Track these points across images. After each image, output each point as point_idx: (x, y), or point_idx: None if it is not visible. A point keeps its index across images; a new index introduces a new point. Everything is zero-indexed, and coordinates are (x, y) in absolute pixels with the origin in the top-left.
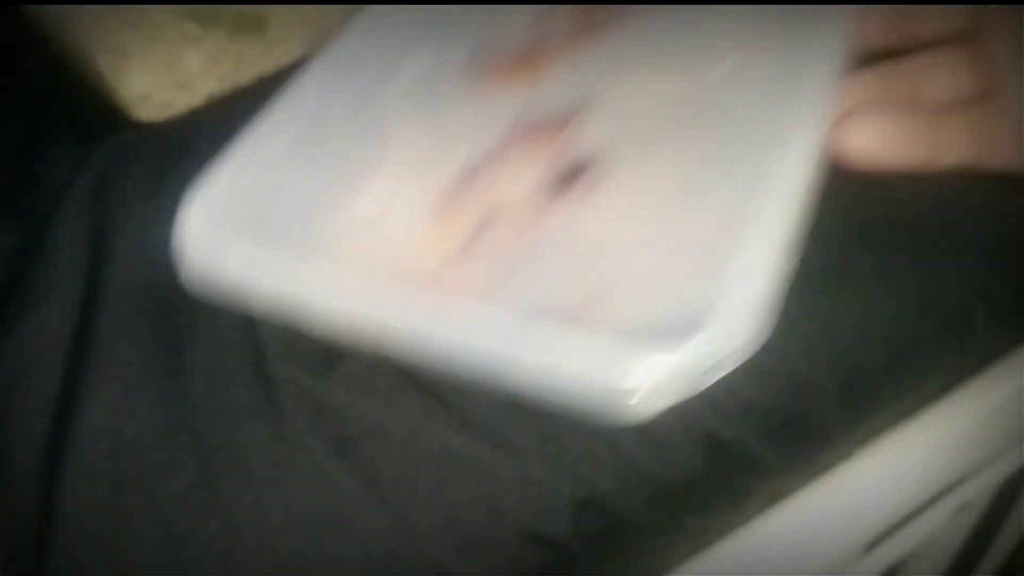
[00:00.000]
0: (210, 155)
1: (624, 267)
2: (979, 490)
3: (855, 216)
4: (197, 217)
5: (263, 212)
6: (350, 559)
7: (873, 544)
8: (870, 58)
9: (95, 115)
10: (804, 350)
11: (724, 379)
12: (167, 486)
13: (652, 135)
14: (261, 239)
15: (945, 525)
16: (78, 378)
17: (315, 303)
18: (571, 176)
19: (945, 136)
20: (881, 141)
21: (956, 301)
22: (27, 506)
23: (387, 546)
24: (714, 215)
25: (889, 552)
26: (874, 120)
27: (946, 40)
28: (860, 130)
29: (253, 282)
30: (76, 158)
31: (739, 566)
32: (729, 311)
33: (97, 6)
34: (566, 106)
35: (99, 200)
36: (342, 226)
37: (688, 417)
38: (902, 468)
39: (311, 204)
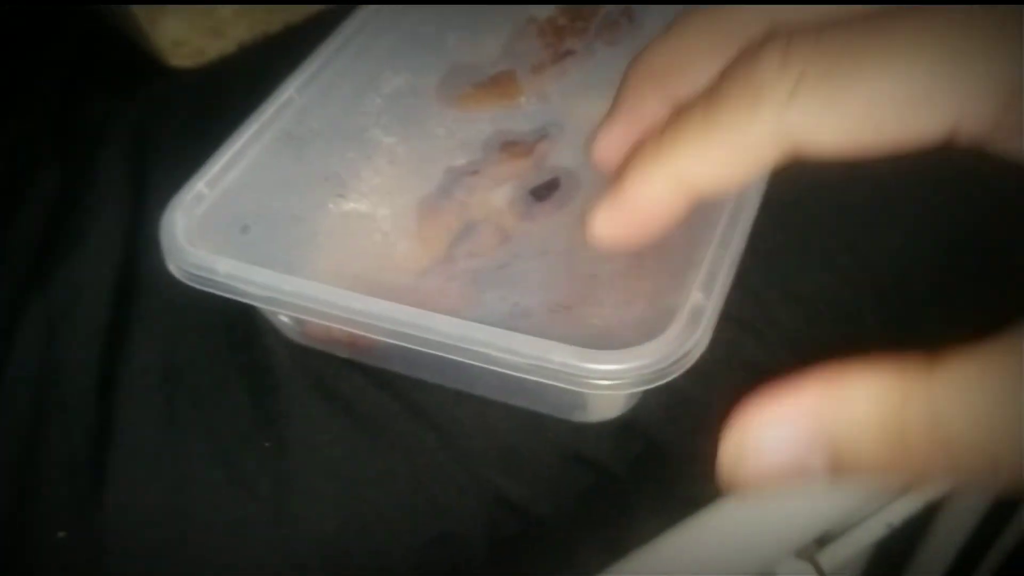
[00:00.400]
0: (242, 101)
1: (590, 279)
2: None
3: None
4: (182, 224)
5: (248, 216)
6: (399, 472)
7: None
8: None
9: (132, 62)
10: (845, 280)
11: (766, 309)
12: (219, 409)
13: None
14: (247, 246)
15: None
16: (126, 310)
17: (306, 310)
18: (545, 190)
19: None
20: None
21: (996, 236)
22: (83, 428)
23: (433, 461)
24: (672, 232)
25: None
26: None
27: None
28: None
29: (242, 287)
30: (115, 104)
31: (782, 497)
32: (681, 321)
33: None
34: (536, 127)
35: (139, 143)
36: (328, 229)
37: (729, 344)
38: None
39: (296, 208)
